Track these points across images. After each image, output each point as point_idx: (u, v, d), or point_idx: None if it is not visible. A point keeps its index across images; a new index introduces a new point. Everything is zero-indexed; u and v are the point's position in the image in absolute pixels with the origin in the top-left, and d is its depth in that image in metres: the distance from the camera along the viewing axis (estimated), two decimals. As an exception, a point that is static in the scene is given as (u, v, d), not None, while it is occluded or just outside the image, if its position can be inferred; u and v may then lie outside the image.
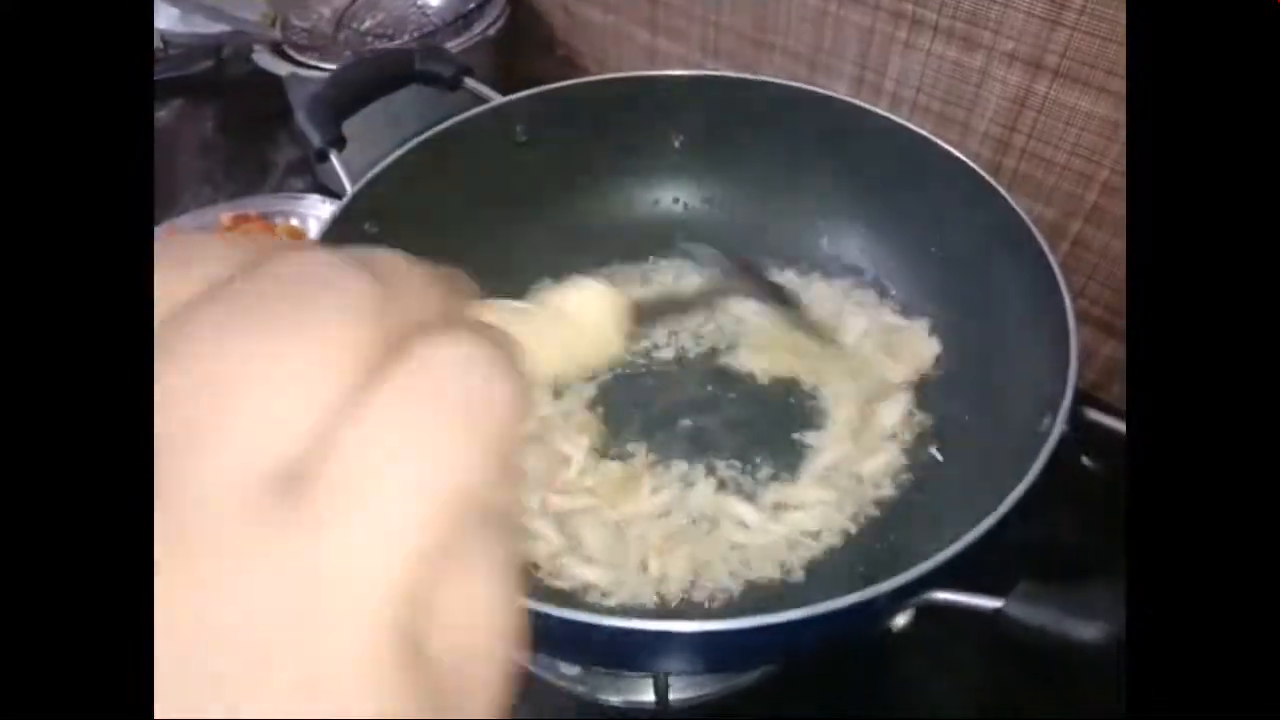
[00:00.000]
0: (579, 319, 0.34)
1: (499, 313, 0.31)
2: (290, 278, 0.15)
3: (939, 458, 0.60)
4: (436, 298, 0.17)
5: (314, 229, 0.98)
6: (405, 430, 0.14)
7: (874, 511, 0.60)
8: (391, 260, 0.17)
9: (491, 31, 0.95)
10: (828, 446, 0.63)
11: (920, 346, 0.67)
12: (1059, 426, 0.45)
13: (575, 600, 0.57)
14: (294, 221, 0.98)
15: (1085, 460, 0.54)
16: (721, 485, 0.62)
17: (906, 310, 0.70)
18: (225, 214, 0.96)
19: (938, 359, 0.67)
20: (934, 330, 0.68)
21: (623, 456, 0.63)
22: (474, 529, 0.15)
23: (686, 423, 0.65)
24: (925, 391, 0.65)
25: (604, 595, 0.57)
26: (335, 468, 0.14)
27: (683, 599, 0.57)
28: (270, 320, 0.14)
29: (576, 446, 0.63)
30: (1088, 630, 0.36)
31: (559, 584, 0.57)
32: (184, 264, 0.15)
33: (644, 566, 0.58)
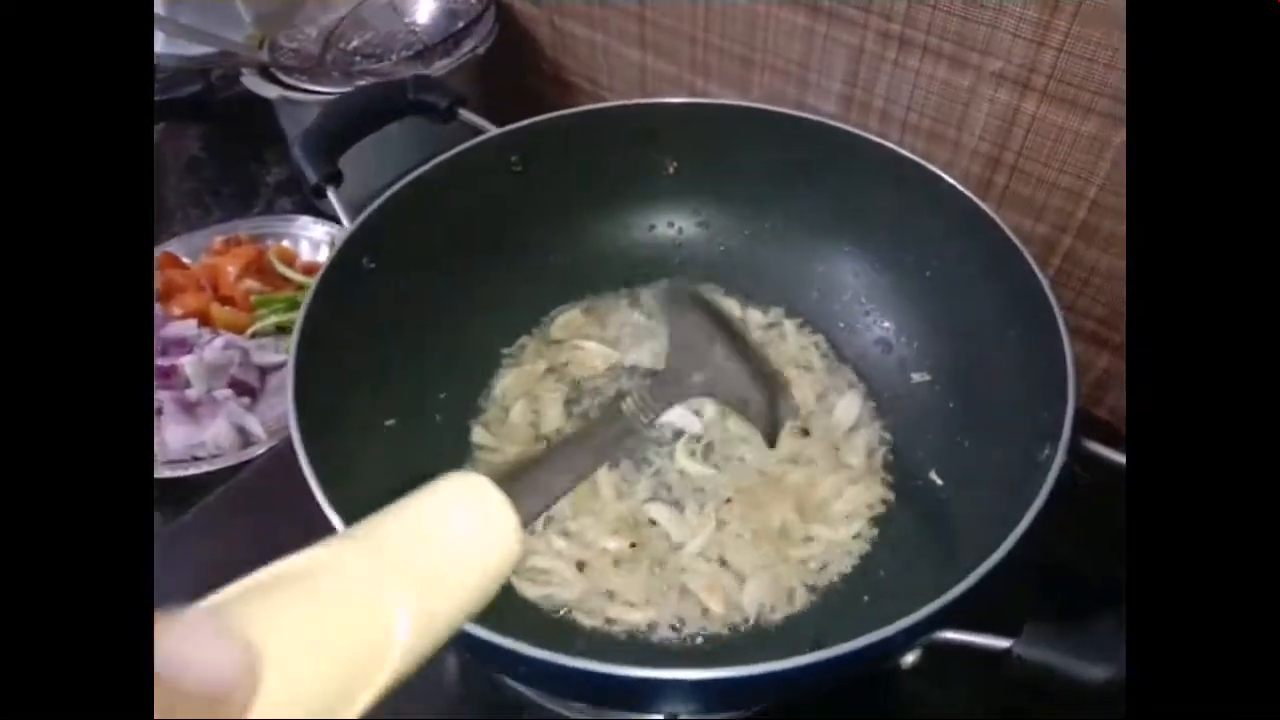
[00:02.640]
0: (448, 537, 0.26)
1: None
2: None
3: (939, 481, 0.61)
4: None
5: (305, 249, 0.97)
6: None
7: (877, 536, 0.61)
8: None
9: (481, 50, 0.95)
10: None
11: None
12: (1059, 458, 0.46)
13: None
14: (285, 243, 0.98)
15: (1076, 469, 0.55)
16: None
17: (898, 334, 0.71)
18: (217, 237, 0.96)
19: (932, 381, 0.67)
20: (929, 352, 0.68)
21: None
22: None
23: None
24: (923, 415, 0.66)
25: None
26: None
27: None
28: None
29: None
30: (1095, 671, 0.36)
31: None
32: None
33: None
